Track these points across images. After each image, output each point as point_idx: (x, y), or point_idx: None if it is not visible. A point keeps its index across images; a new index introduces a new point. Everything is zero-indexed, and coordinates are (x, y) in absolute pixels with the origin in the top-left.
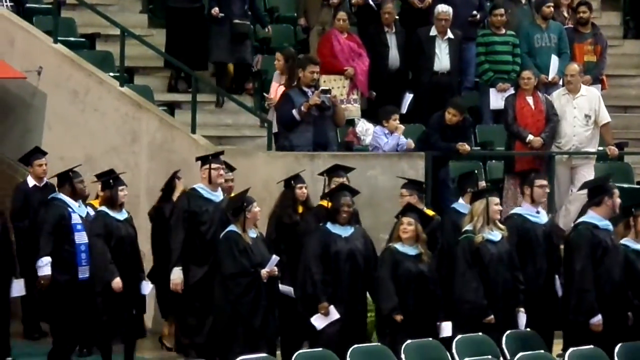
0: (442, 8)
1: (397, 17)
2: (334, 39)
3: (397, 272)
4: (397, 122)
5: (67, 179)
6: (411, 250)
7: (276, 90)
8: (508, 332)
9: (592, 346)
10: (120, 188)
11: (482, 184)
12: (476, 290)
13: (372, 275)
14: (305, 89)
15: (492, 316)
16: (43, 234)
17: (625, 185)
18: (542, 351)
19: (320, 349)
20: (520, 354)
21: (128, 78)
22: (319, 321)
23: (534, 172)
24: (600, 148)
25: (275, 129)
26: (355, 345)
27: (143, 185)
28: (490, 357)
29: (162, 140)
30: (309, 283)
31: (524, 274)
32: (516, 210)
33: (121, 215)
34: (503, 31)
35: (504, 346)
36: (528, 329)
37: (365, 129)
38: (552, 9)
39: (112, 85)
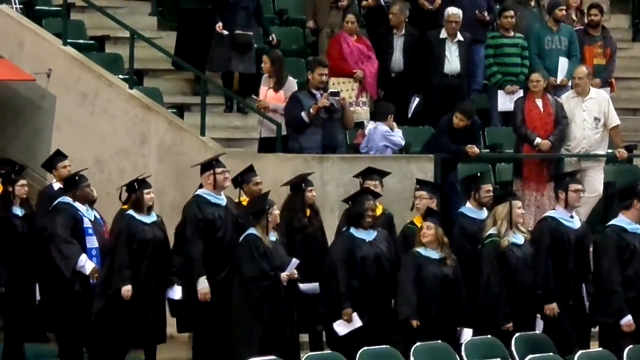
0: (452, 10)
1: (406, 19)
2: (343, 42)
3: (420, 275)
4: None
5: (74, 184)
6: (434, 254)
7: (266, 93)
8: (517, 334)
9: (600, 349)
10: (146, 191)
11: (488, 187)
12: (498, 296)
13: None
14: (314, 91)
15: (510, 324)
16: (65, 239)
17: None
18: (552, 354)
19: (330, 351)
20: (530, 356)
21: (137, 80)
22: (341, 327)
23: (569, 176)
24: (610, 151)
25: (284, 131)
26: (365, 348)
27: (152, 188)
28: (499, 359)
29: (171, 143)
30: (334, 288)
31: (555, 278)
32: (550, 213)
33: (148, 218)
34: (512, 33)
35: (513, 349)
36: (537, 332)
37: None
38: (564, 12)
39: (121, 88)
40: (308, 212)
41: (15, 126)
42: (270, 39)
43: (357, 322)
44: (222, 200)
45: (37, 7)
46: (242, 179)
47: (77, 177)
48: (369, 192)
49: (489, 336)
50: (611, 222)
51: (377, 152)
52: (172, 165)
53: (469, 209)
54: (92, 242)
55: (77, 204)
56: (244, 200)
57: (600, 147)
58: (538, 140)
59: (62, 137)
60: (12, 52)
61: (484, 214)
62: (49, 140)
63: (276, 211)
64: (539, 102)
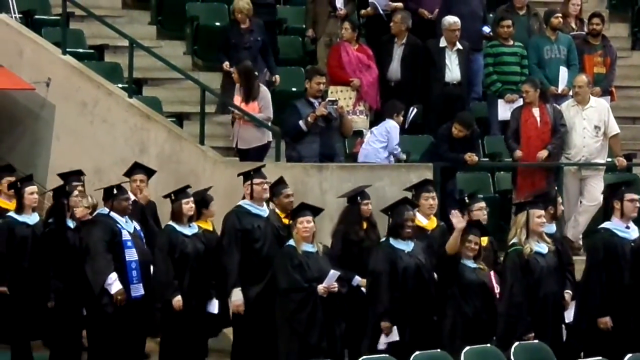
0: (452, 19)
1: (408, 28)
2: (342, 50)
3: (462, 282)
4: None
5: (111, 196)
6: (471, 264)
7: (240, 104)
8: (517, 343)
9: (600, 358)
10: (184, 201)
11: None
12: (520, 306)
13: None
14: (312, 100)
15: (532, 334)
16: (99, 253)
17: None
18: None
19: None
20: None
21: (136, 89)
22: (380, 339)
23: (624, 186)
24: (609, 159)
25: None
26: (365, 357)
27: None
28: None
29: (170, 152)
30: (376, 300)
31: (609, 291)
32: (605, 224)
33: (189, 230)
34: (511, 42)
35: (512, 358)
36: (537, 341)
37: None
38: (560, 20)
39: (120, 97)
40: (365, 225)
41: (14, 135)
42: (273, 79)
43: (395, 337)
44: (263, 211)
45: (36, 17)
46: (273, 192)
47: (115, 189)
48: (408, 202)
49: (488, 345)
50: None
51: (373, 153)
52: (171, 174)
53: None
54: (132, 254)
55: (116, 216)
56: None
57: (600, 155)
58: (518, 153)
59: (62, 147)
60: (12, 61)
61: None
62: (48, 150)
63: (309, 224)
64: (536, 112)
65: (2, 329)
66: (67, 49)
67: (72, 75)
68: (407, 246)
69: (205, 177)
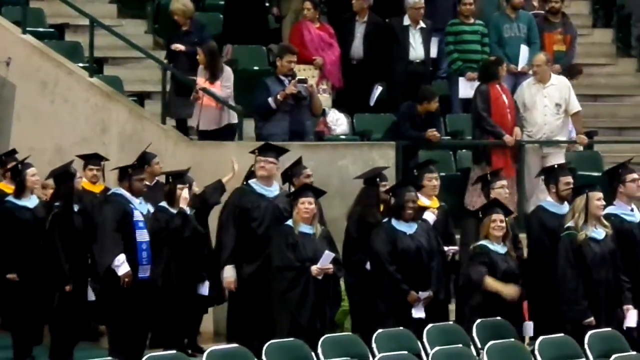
0: None
1: (369, 6)
2: (304, 29)
3: (495, 272)
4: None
5: (126, 175)
6: (501, 249)
7: (204, 84)
8: (478, 320)
9: (562, 334)
10: (179, 187)
11: (568, 179)
12: (575, 291)
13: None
14: (282, 78)
15: (592, 318)
16: (107, 233)
17: (595, 174)
18: (513, 339)
19: (292, 338)
20: (491, 342)
21: (97, 68)
22: (419, 312)
23: (622, 167)
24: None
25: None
26: (327, 335)
27: (113, 177)
28: (460, 345)
29: (132, 131)
30: (386, 282)
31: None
32: (611, 210)
33: (175, 210)
34: (472, 20)
35: (474, 334)
36: (499, 317)
37: (336, 119)
38: None
39: (81, 76)
40: (382, 207)
41: None
42: None
43: (424, 294)
44: (269, 191)
45: None
46: (292, 172)
47: (129, 169)
48: (411, 183)
49: (450, 322)
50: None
51: None
52: (133, 153)
53: (549, 203)
54: (143, 235)
55: (130, 196)
56: None
57: (562, 133)
58: (507, 138)
59: (23, 126)
60: None
61: (565, 208)
62: (9, 130)
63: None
64: (500, 89)
65: (7, 315)
66: (27, 28)
67: (32, 54)
68: (409, 228)
69: (167, 157)
